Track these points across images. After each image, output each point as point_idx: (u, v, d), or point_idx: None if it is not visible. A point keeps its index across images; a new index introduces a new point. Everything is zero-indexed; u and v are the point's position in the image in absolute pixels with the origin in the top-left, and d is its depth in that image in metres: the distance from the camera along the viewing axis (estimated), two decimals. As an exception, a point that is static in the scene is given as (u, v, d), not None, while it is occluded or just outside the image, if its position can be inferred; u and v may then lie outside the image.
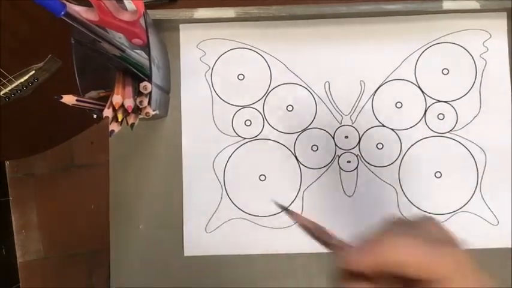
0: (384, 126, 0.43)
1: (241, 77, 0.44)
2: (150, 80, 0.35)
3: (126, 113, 0.35)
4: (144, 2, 0.44)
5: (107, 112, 0.34)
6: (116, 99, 0.34)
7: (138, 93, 0.36)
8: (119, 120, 0.34)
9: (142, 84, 0.35)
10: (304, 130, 0.44)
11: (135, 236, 0.44)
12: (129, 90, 0.36)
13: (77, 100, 0.33)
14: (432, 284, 0.21)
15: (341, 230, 0.43)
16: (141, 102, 0.35)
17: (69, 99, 0.32)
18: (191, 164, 0.43)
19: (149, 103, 0.35)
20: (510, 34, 0.43)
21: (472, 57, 0.43)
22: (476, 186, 0.43)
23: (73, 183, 1.17)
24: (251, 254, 0.43)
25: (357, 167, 0.43)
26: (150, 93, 0.36)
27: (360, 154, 0.43)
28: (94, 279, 1.18)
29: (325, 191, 0.43)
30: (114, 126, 0.34)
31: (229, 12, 0.43)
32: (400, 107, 0.43)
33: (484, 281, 0.23)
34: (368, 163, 0.43)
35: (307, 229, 0.27)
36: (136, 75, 0.37)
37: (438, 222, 0.26)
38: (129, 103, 0.34)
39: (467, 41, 0.43)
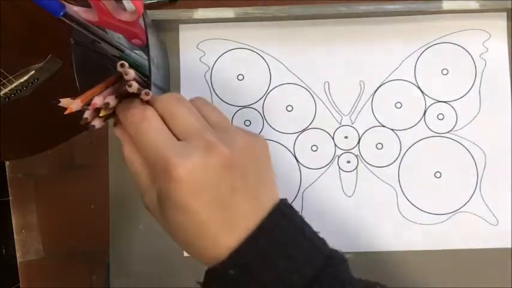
0: (383, 126, 0.43)
1: (240, 77, 0.44)
2: (149, 80, 0.35)
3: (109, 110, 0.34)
4: (144, 2, 0.44)
5: (88, 113, 0.33)
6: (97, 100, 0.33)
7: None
8: (101, 115, 0.33)
9: (143, 91, 0.34)
10: (303, 130, 0.44)
11: (135, 236, 0.44)
12: (109, 90, 0.35)
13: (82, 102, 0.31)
14: None
15: (341, 230, 0.43)
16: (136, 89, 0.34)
17: (67, 102, 0.31)
18: (191, 164, 0.43)
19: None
20: (510, 34, 0.43)
21: (472, 58, 0.43)
22: (476, 186, 0.43)
23: (73, 183, 1.17)
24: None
25: (356, 167, 0.43)
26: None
27: (359, 154, 0.43)
28: (94, 279, 1.18)
29: (324, 191, 0.43)
30: (96, 122, 0.33)
31: (228, 12, 0.43)
32: (400, 107, 0.43)
33: None
34: (368, 163, 0.43)
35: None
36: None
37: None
38: (97, 100, 0.33)
39: (467, 41, 0.43)
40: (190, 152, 0.26)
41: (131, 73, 0.31)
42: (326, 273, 0.26)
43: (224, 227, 0.26)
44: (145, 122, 0.27)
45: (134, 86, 0.30)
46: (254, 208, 0.27)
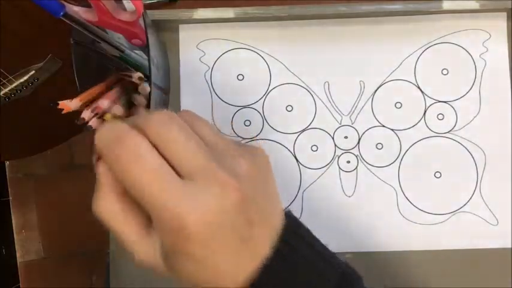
0: (383, 126, 0.43)
1: (240, 77, 0.44)
2: (149, 80, 0.35)
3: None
4: (143, 2, 0.44)
5: (86, 113, 0.33)
6: (103, 103, 0.33)
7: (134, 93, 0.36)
8: (106, 119, 0.33)
9: (140, 87, 0.35)
10: (303, 130, 0.44)
11: (135, 236, 0.44)
12: (113, 93, 0.35)
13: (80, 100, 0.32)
14: None
15: (341, 230, 0.43)
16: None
17: (66, 105, 0.32)
18: (191, 164, 0.43)
19: (148, 104, 0.35)
20: (510, 34, 0.43)
21: (472, 58, 0.43)
22: (476, 186, 0.43)
23: (73, 183, 1.17)
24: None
25: (356, 167, 0.43)
26: (149, 93, 0.36)
27: (359, 154, 0.43)
28: (94, 279, 1.17)
29: (324, 191, 0.43)
30: (93, 122, 0.33)
31: (228, 12, 0.43)
32: (400, 107, 0.43)
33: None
34: (367, 163, 0.43)
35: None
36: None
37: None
38: (102, 104, 0.33)
39: (467, 41, 0.43)
40: (202, 198, 0.22)
41: (146, 90, 0.31)
42: None
43: (243, 261, 0.24)
44: (139, 162, 0.22)
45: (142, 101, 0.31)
46: (268, 232, 0.25)
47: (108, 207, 0.24)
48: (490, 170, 0.43)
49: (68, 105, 0.31)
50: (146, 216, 0.23)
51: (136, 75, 0.34)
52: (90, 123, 0.32)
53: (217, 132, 0.27)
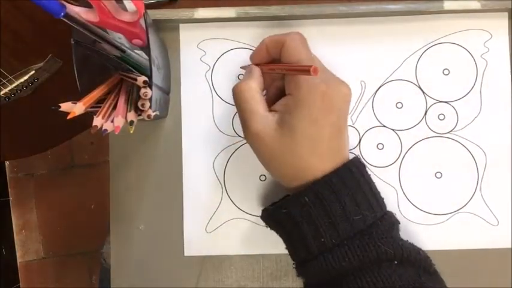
0: (384, 126, 0.43)
1: (241, 77, 0.44)
2: (150, 81, 0.35)
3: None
4: (144, 2, 0.44)
5: (97, 121, 0.33)
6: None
7: (137, 96, 0.36)
8: (131, 132, 0.34)
9: (142, 91, 0.35)
10: (304, 130, 0.43)
11: (135, 236, 0.44)
12: (121, 101, 0.36)
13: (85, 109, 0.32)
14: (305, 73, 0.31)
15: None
16: (143, 105, 0.35)
17: (68, 106, 0.32)
18: (191, 164, 0.44)
19: (149, 105, 0.35)
20: (511, 34, 0.43)
21: (473, 58, 0.43)
22: (476, 187, 0.43)
23: (73, 183, 1.17)
24: (251, 254, 0.43)
25: (357, 168, 0.43)
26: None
27: (360, 154, 0.43)
28: (94, 279, 1.18)
29: (325, 192, 0.43)
30: (108, 126, 0.34)
31: (229, 12, 0.43)
32: (401, 107, 0.43)
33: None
34: (368, 163, 0.43)
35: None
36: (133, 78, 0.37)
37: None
38: (118, 123, 0.33)
39: (468, 41, 0.43)
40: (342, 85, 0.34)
41: (148, 93, 0.33)
42: (383, 223, 0.32)
43: (332, 152, 0.33)
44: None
45: (146, 105, 0.34)
46: (342, 150, 0.33)
47: (253, 87, 0.34)
48: (491, 170, 0.43)
49: (73, 110, 0.31)
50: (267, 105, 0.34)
51: (141, 79, 0.34)
52: (104, 128, 0.33)
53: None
